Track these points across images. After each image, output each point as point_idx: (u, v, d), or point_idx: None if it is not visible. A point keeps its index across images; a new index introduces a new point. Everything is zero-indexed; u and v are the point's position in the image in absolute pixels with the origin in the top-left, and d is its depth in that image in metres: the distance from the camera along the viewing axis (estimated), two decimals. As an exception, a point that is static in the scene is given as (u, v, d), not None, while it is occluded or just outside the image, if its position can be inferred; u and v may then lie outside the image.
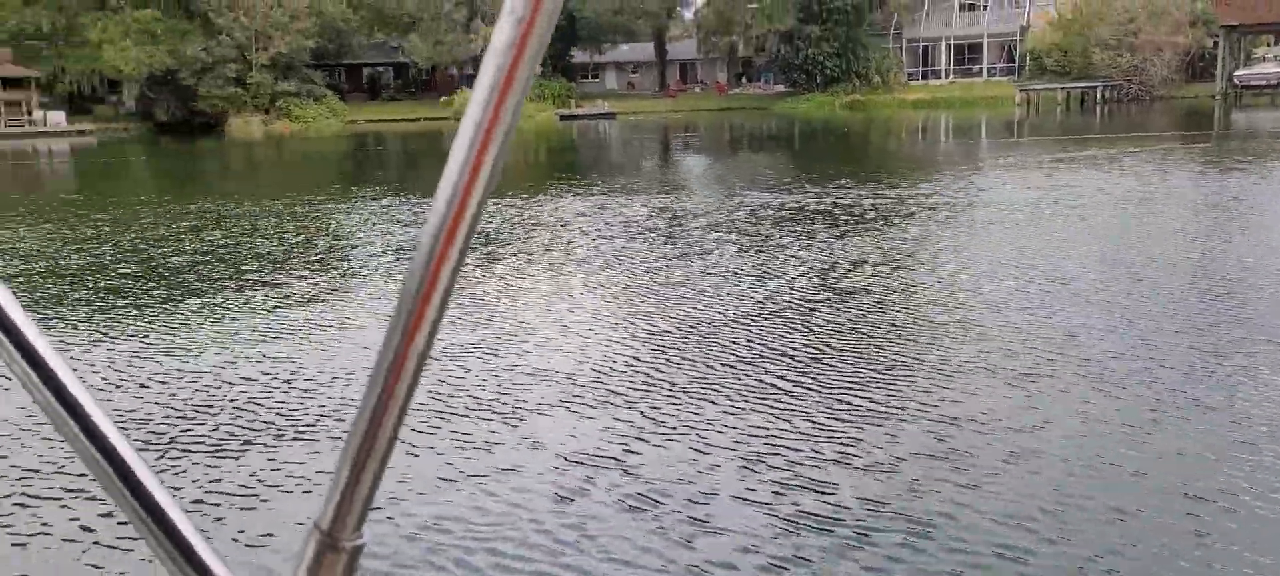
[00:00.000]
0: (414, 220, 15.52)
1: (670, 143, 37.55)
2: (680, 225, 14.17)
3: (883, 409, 6.00)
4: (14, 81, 51.60)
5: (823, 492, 4.83)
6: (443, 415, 6.13)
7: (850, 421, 5.80)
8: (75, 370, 0.48)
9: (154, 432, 5.96)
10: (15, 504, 4.97)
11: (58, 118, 51.47)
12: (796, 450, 5.38)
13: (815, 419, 5.86)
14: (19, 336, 0.52)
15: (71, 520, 4.76)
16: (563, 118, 55.87)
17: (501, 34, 0.49)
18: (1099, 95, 49.45)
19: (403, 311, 0.53)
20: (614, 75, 74.17)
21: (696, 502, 4.78)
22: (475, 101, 0.50)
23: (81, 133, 50.73)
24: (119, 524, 4.64)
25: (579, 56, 68.78)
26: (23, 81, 51.77)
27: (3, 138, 48.66)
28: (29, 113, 51.18)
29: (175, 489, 5.13)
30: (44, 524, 4.75)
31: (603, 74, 73.45)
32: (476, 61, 62.72)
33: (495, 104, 0.49)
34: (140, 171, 31.18)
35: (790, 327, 8.10)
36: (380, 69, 69.78)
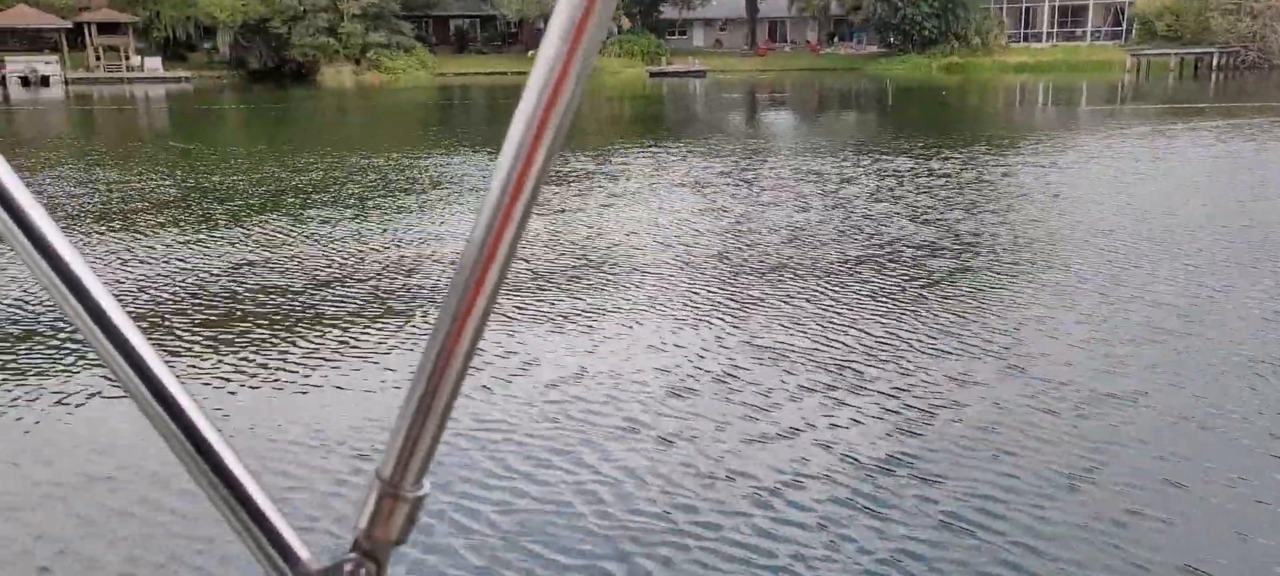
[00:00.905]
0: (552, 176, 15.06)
1: (775, 103, 36.68)
2: (834, 191, 13.51)
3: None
4: (111, 27, 52.25)
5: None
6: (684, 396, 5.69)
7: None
8: (163, 356, 0.51)
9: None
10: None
11: (154, 64, 52.03)
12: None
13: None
14: (107, 321, 0.51)
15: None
16: (653, 75, 55.09)
17: None
18: (1214, 62, 47.25)
19: (468, 263, 0.52)
20: (701, 32, 72.96)
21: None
22: (544, 52, 0.48)
23: (178, 79, 51.24)
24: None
25: (667, 12, 67.73)
26: (120, 27, 52.41)
27: (102, 82, 49.35)
28: (127, 58, 51.80)
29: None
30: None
31: (690, 30, 72.30)
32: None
33: (565, 57, 0.47)
34: (246, 120, 31.28)
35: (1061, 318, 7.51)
36: (466, 21, 69.45)
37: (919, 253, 9.46)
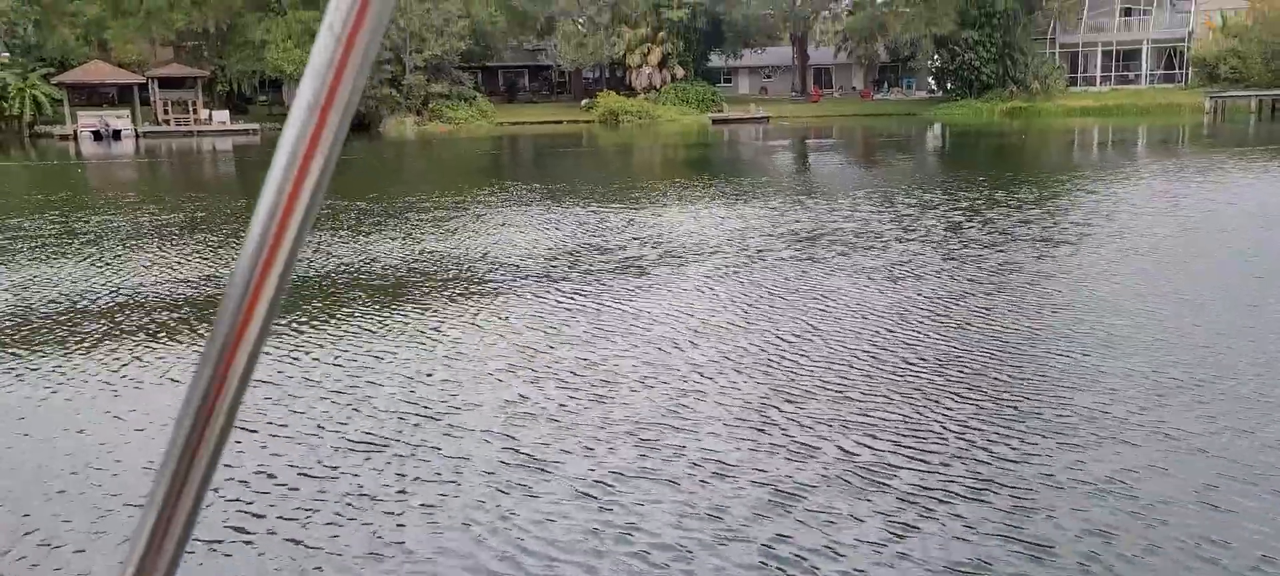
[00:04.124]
0: (658, 221, 14.77)
1: (863, 150, 36.21)
2: (1013, 233, 13.17)
3: None
4: (177, 81, 52.77)
5: None
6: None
7: None
8: None
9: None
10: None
11: (222, 116, 52.45)
12: None
13: None
14: None
15: None
16: (716, 121, 55.28)
17: (320, 54, 0.46)
18: (1295, 103, 46.87)
19: (217, 341, 0.48)
20: (747, 79, 73.22)
21: None
22: (291, 125, 0.46)
23: (246, 131, 51.56)
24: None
25: (714, 60, 68.13)
26: (186, 81, 52.93)
27: (173, 135, 49.68)
28: (195, 112, 52.22)
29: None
30: None
31: (736, 78, 72.53)
32: (616, 65, 62.25)
33: (314, 129, 0.45)
34: (368, 166, 31.11)
35: None
36: (516, 72, 70.01)
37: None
